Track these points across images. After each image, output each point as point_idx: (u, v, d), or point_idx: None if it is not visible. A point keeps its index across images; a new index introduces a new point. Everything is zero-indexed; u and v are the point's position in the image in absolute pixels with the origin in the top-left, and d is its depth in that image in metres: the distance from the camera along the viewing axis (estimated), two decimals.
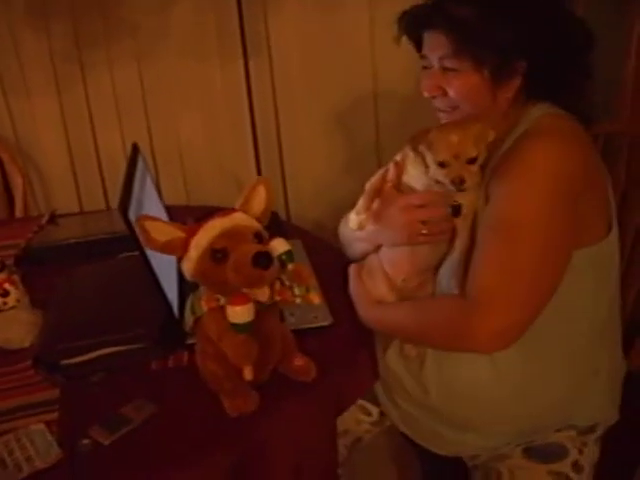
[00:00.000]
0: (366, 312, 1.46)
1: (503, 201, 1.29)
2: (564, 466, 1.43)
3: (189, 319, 1.23)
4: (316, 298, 1.26)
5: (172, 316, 1.39)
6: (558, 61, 1.33)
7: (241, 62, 2.42)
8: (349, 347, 1.44)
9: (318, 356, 1.34)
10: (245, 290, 1.17)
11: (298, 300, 1.23)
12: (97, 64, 2.40)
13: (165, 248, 1.17)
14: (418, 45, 1.44)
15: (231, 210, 1.20)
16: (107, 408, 1.28)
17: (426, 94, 1.41)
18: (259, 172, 2.56)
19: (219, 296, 1.18)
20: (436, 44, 1.36)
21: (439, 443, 1.49)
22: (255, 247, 1.14)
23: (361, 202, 1.48)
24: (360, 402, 1.58)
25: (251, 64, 2.43)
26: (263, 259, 1.12)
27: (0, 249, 1.91)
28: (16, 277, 1.59)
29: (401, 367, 1.47)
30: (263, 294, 1.19)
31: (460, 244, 1.36)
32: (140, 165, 1.59)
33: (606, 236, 1.37)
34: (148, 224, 1.16)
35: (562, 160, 1.27)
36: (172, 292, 1.42)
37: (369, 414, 1.60)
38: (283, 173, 2.59)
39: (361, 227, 1.46)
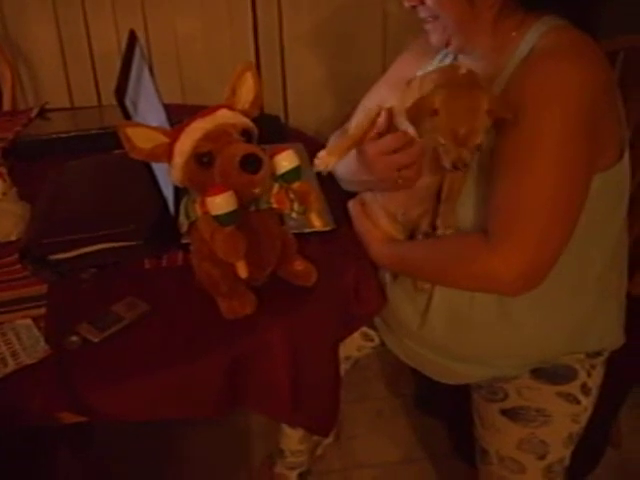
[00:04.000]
0: (378, 251, 1.37)
1: (519, 132, 1.19)
2: (573, 388, 1.40)
3: (184, 223, 1.16)
4: (317, 221, 1.18)
5: (167, 214, 1.32)
6: None
7: None
8: (353, 259, 1.37)
9: (319, 262, 1.28)
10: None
11: (294, 215, 1.16)
12: None
13: (150, 156, 1.10)
14: None
15: (214, 108, 1.10)
16: (97, 306, 1.22)
17: (405, 4, 1.30)
18: (259, 73, 2.45)
19: None
20: None
21: (444, 374, 1.46)
22: (242, 148, 1.05)
23: (338, 142, 1.37)
24: (362, 328, 1.53)
25: None
26: (251, 162, 1.04)
27: None
28: (2, 169, 1.51)
29: (405, 302, 1.41)
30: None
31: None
32: (137, 54, 1.49)
33: (619, 160, 1.28)
34: (130, 131, 1.07)
35: (582, 83, 1.17)
36: (168, 189, 1.35)
37: (371, 340, 1.56)
38: (284, 74, 2.49)
39: (325, 168, 1.34)
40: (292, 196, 1.15)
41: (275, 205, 1.14)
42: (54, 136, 1.86)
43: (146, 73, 1.54)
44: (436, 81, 1.19)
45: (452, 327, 1.37)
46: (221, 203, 1.06)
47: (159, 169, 1.29)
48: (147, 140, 1.08)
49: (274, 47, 2.43)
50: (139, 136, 1.07)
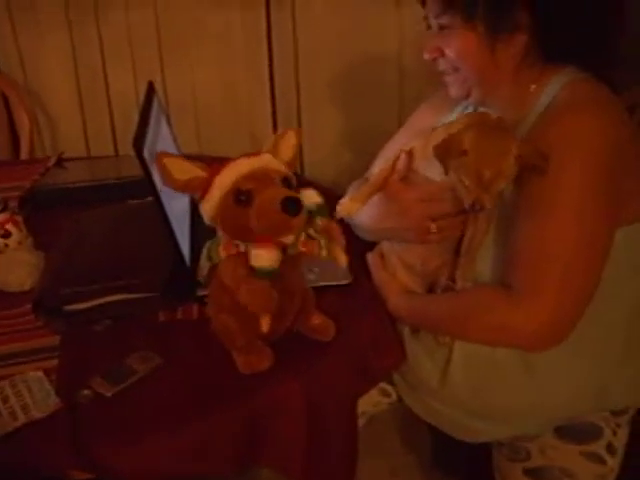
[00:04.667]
0: (396, 303, 1.35)
1: (540, 184, 1.17)
2: (598, 447, 1.36)
3: (204, 266, 1.14)
4: (343, 256, 1.15)
5: (183, 265, 1.30)
6: (572, 11, 1.21)
7: (263, 10, 2.31)
8: (370, 312, 1.35)
9: (337, 316, 1.25)
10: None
11: (324, 253, 1.13)
12: (112, 2, 2.29)
13: (186, 187, 1.08)
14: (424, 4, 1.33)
15: (259, 151, 1.10)
16: (110, 358, 1.20)
17: (426, 56, 1.31)
18: (275, 127, 2.46)
19: (239, 242, 1.09)
20: (431, 1, 1.28)
21: (464, 432, 1.42)
22: (284, 191, 1.05)
23: (361, 189, 1.35)
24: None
25: (273, 12, 2.31)
26: (292, 205, 1.03)
27: (4, 190, 1.81)
28: (19, 218, 1.51)
29: (424, 358, 1.38)
30: (288, 241, 1.11)
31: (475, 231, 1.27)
32: (155, 105, 1.50)
33: None
34: (168, 161, 1.06)
35: (603, 136, 1.17)
36: (184, 241, 1.34)
37: (388, 395, 1.53)
38: (299, 124, 2.48)
39: (348, 215, 1.33)
40: (316, 236, 1.14)
41: (303, 249, 1.13)
42: (71, 185, 1.85)
43: (164, 124, 1.55)
44: (466, 122, 1.19)
45: (473, 384, 1.34)
46: (267, 256, 1.06)
47: (174, 222, 1.28)
48: (184, 172, 1.07)
49: (291, 100, 2.43)
50: (176, 167, 1.07)
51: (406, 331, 1.40)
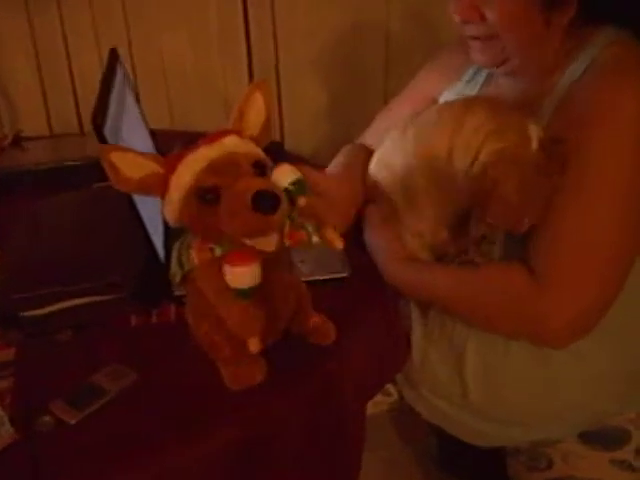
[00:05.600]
0: (396, 269, 1.18)
1: (578, 157, 1.02)
2: (626, 453, 1.21)
3: (176, 273, 0.95)
4: (337, 239, 0.96)
5: (156, 261, 1.12)
6: None
7: None
8: (374, 308, 1.18)
9: (336, 314, 1.08)
10: (246, 240, 0.90)
11: (315, 239, 0.94)
12: None
13: (140, 188, 0.90)
14: None
15: (220, 133, 0.90)
16: (75, 376, 1.02)
17: (458, 19, 1.12)
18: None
19: (213, 245, 0.91)
20: None
21: (476, 436, 1.27)
22: (255, 183, 0.86)
23: None
24: None
25: None
26: (266, 200, 0.84)
27: None
28: None
29: (433, 356, 1.23)
30: (269, 244, 0.92)
31: None
32: (119, 76, 1.31)
33: None
34: (116, 157, 0.87)
35: None
36: (157, 232, 1.15)
37: (388, 394, 1.37)
38: (280, 100, 2.28)
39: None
40: (299, 221, 0.95)
41: (289, 242, 0.94)
42: (30, 168, 1.67)
43: (130, 96, 1.36)
44: (498, 146, 1.04)
45: (486, 384, 1.20)
46: (245, 275, 0.88)
47: (145, 207, 1.10)
48: (137, 168, 0.88)
49: (269, 68, 2.23)
50: (127, 163, 0.88)
51: (417, 333, 1.23)
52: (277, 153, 1.66)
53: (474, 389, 1.20)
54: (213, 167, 0.86)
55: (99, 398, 0.98)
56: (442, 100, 1.29)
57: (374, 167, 1.25)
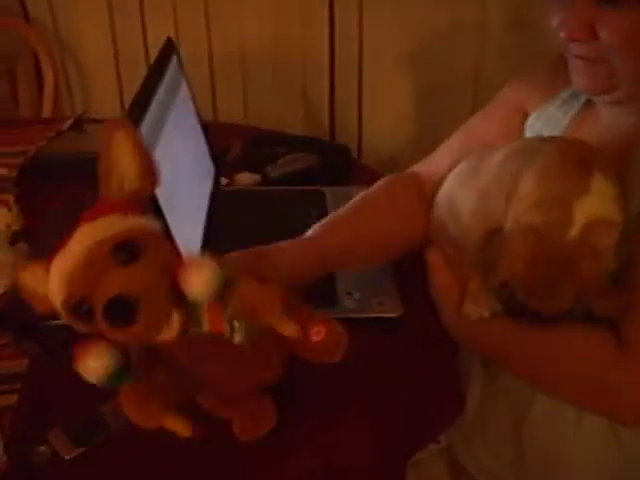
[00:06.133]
0: (457, 318, 1.02)
1: None
2: None
3: None
4: (290, 329, 0.77)
5: None
6: None
7: None
8: (427, 350, 1.04)
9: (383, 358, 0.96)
10: None
11: (238, 339, 0.76)
12: None
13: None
14: None
15: (80, 222, 0.75)
16: (83, 401, 0.91)
17: (564, 35, 0.95)
18: (332, 93, 2.13)
19: None
20: None
21: None
22: (108, 288, 0.70)
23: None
24: None
25: None
26: (118, 311, 0.69)
27: (5, 156, 1.54)
28: (9, 197, 1.25)
29: (491, 413, 1.09)
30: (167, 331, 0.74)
31: None
32: (173, 66, 1.20)
33: None
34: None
35: None
36: (195, 232, 1.04)
37: (437, 442, 1.23)
38: (360, 100, 2.15)
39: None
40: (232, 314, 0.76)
41: (208, 327, 0.76)
42: (85, 155, 1.56)
43: (184, 89, 1.25)
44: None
45: (546, 452, 1.06)
46: (94, 367, 0.75)
47: (182, 212, 0.99)
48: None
49: (352, 65, 2.09)
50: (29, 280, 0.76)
51: (476, 386, 1.09)
52: (343, 159, 1.56)
53: (531, 454, 1.06)
54: (74, 274, 0.71)
55: (100, 433, 0.88)
56: (531, 122, 1.13)
57: (440, 202, 1.10)
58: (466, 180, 1.04)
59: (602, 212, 0.87)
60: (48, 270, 0.73)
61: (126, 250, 0.71)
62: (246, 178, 1.43)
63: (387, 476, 0.93)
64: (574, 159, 0.91)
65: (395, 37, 2.04)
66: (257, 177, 1.43)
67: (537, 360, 0.97)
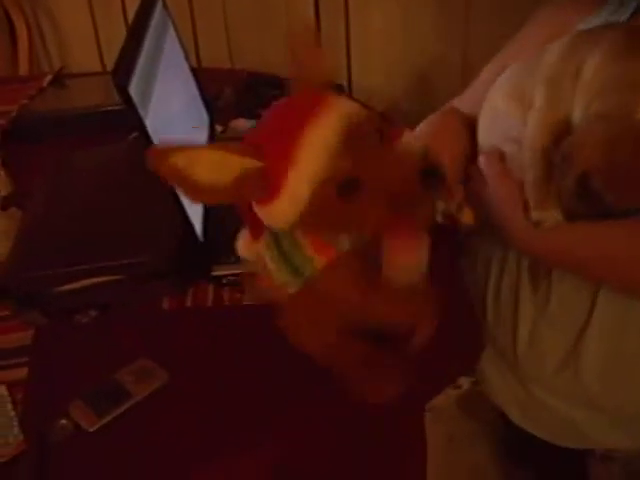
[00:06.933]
0: (540, 239, 0.91)
1: None
2: None
3: (290, 282, 0.74)
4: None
5: (193, 237, 0.96)
6: None
7: None
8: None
9: None
10: None
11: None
12: None
13: (234, 194, 0.66)
14: None
15: (316, 95, 0.67)
16: (97, 369, 0.88)
17: None
18: (319, 27, 2.04)
19: (340, 239, 0.71)
20: None
21: (577, 438, 1.08)
22: (414, 156, 0.64)
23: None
24: None
25: None
26: (432, 176, 0.64)
27: None
28: None
29: (545, 333, 1.02)
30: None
31: None
32: (158, 13, 1.13)
33: None
34: (182, 160, 0.62)
35: None
36: (193, 207, 0.99)
37: (459, 387, 1.19)
38: (348, 35, 2.06)
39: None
40: None
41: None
42: (68, 113, 1.50)
43: (171, 36, 1.17)
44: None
45: (607, 366, 0.99)
46: (416, 261, 0.72)
47: None
48: (221, 170, 0.64)
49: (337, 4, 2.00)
50: (204, 166, 0.63)
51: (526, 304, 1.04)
52: None
53: (593, 367, 1.00)
54: (346, 147, 0.64)
55: (123, 401, 0.84)
56: None
57: (491, 104, 1.01)
58: (523, 75, 0.96)
59: None
60: (223, 155, 0.64)
61: (381, 131, 0.66)
62: (241, 124, 1.37)
63: (406, 422, 0.90)
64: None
65: None
66: (252, 122, 1.37)
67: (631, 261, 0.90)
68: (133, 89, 0.85)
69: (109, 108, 1.46)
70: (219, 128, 1.35)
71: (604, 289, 0.94)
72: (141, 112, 0.87)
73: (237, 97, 1.46)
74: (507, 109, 0.95)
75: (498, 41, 1.12)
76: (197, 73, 1.32)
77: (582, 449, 1.14)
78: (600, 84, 0.83)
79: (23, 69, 1.93)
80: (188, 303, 0.98)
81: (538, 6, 1.09)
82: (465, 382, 1.21)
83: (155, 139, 0.88)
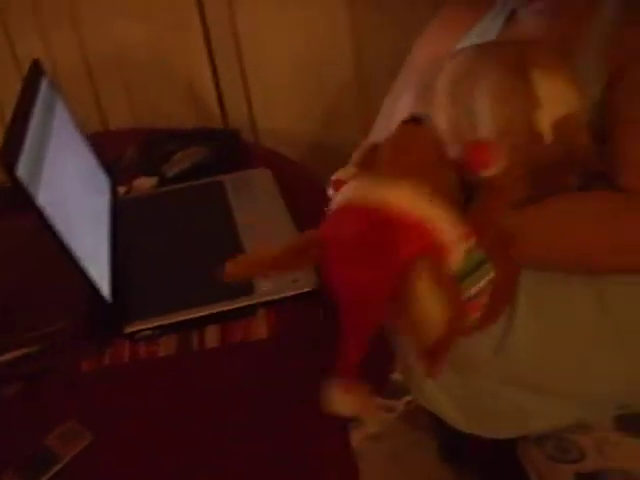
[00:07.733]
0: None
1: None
2: None
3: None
4: None
5: (99, 297, 1.01)
6: None
7: None
8: None
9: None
10: None
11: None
12: None
13: None
14: None
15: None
16: (27, 439, 0.93)
17: None
18: (215, 74, 2.11)
19: None
20: None
21: (517, 424, 1.12)
22: None
23: None
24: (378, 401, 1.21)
25: None
26: None
27: None
28: None
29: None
30: None
31: None
32: (44, 90, 1.18)
33: None
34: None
35: None
36: (99, 262, 1.05)
37: (393, 410, 1.24)
38: (244, 76, 2.12)
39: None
40: None
41: None
42: None
43: (60, 109, 1.23)
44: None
45: (542, 343, 1.02)
46: None
47: (78, 237, 0.99)
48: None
49: (229, 44, 2.07)
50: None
51: None
52: (234, 145, 1.53)
53: (524, 349, 1.01)
54: None
55: (53, 464, 0.89)
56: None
57: None
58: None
59: (563, 110, 0.85)
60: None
61: None
62: (144, 182, 1.42)
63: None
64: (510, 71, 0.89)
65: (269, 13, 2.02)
66: (154, 180, 1.43)
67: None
68: (23, 166, 0.90)
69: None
70: (122, 189, 1.40)
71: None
72: (31, 190, 0.92)
73: (139, 155, 1.51)
74: None
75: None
76: (102, 137, 1.38)
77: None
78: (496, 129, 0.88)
79: None
80: (106, 362, 1.03)
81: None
82: (397, 405, 1.26)
83: (50, 214, 0.93)
